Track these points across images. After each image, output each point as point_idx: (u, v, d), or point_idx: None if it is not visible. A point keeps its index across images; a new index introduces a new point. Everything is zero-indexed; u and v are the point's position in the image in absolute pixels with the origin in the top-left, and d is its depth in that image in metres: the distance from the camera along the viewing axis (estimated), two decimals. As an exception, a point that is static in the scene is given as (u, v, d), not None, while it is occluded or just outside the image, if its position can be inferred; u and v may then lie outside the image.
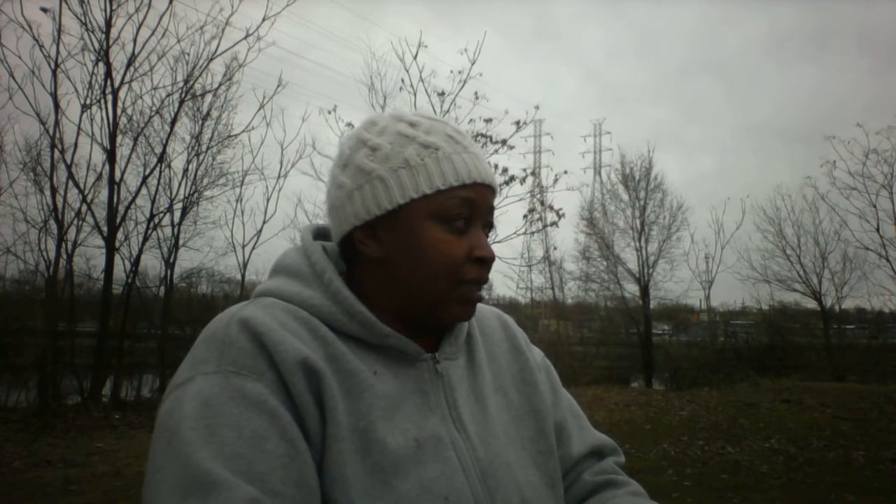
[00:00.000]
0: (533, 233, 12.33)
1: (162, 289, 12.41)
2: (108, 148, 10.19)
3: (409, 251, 0.74)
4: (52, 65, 9.63)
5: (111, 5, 9.86)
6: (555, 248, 26.34)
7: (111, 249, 10.29)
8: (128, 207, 10.79)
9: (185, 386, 0.64)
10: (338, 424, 0.65)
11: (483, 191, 0.77)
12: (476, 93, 10.56)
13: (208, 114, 11.72)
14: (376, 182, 0.74)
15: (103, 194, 10.53)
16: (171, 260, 11.96)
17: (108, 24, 9.88)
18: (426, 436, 0.70)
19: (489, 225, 0.80)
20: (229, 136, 12.15)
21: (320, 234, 0.84)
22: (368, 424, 0.67)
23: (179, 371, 0.67)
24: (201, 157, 11.86)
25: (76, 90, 10.10)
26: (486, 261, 0.76)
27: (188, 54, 10.82)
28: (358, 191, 0.75)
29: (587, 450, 0.89)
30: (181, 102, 11.04)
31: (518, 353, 0.90)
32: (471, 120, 10.56)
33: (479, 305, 0.94)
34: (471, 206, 0.75)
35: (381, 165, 0.75)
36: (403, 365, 0.75)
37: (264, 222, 13.17)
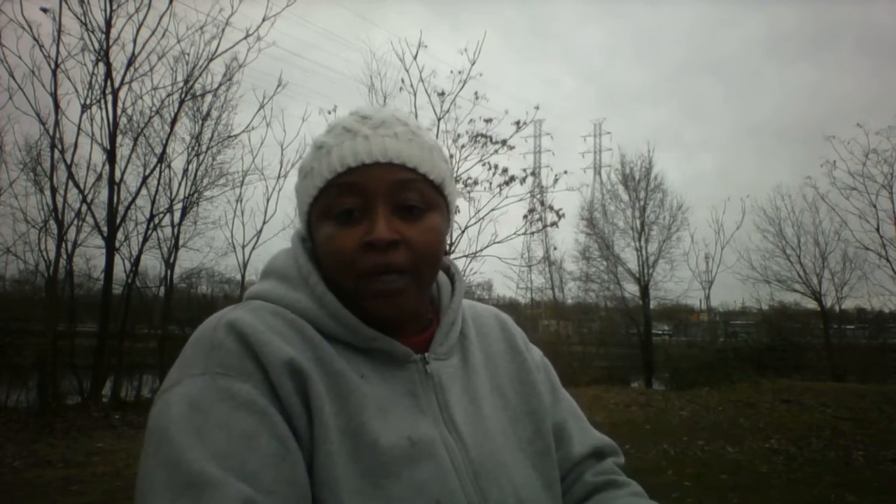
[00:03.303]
0: (533, 233, 12.35)
1: (162, 289, 12.43)
2: (108, 148, 10.19)
3: (320, 256, 0.75)
4: (52, 65, 9.65)
5: (111, 5, 9.88)
6: (555, 249, 26.39)
7: (111, 249, 10.29)
8: (128, 207, 10.81)
9: (172, 389, 0.64)
10: (325, 426, 0.65)
11: (372, 171, 0.70)
12: (476, 93, 10.58)
13: (208, 114, 11.75)
14: (296, 196, 0.79)
15: (103, 194, 10.56)
16: (171, 260, 11.98)
17: (108, 24, 9.90)
18: (418, 437, 0.69)
19: (407, 204, 0.71)
20: (229, 137, 12.18)
21: None
22: (359, 425, 0.67)
23: (169, 375, 0.67)
24: (201, 158, 11.89)
25: (76, 90, 10.14)
26: (374, 244, 0.68)
27: (188, 54, 10.86)
28: None
29: (588, 451, 0.89)
30: (181, 102, 11.06)
31: (516, 353, 0.89)
32: (471, 120, 10.61)
33: (477, 304, 0.93)
34: (356, 191, 0.70)
35: (297, 180, 0.78)
36: (392, 367, 0.74)
37: (264, 222, 13.19)
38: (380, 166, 0.71)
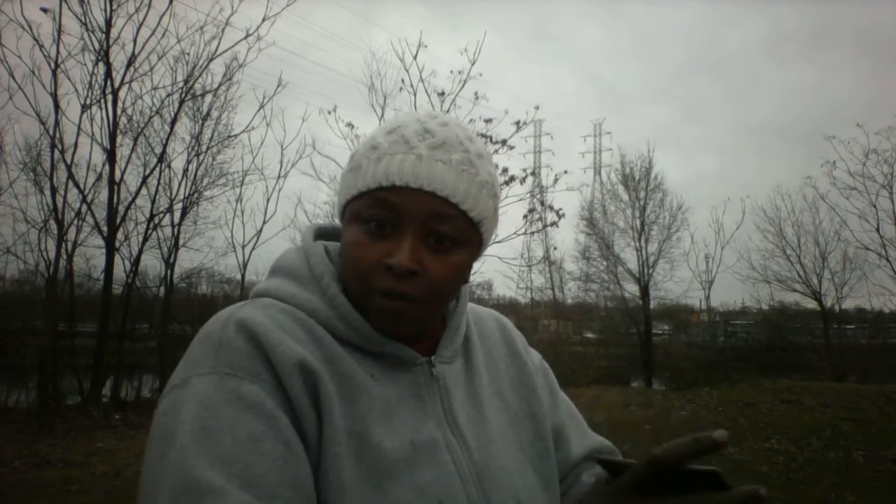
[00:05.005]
0: (533, 233, 12.35)
1: (162, 289, 12.44)
2: (108, 148, 10.21)
3: (342, 252, 0.74)
4: (52, 65, 9.67)
5: (111, 5, 9.90)
6: (555, 248, 26.39)
7: (111, 249, 10.30)
8: (128, 207, 10.83)
9: (180, 388, 0.63)
10: (334, 427, 0.64)
11: (413, 195, 0.69)
12: (476, 93, 10.55)
13: (208, 114, 11.79)
14: (340, 181, 0.77)
15: (103, 194, 10.59)
16: (171, 260, 12.00)
17: (108, 24, 9.91)
18: (422, 440, 0.69)
19: (438, 236, 0.70)
20: (229, 136, 12.23)
21: (323, 233, 0.84)
22: (364, 428, 0.66)
23: (175, 373, 0.66)
24: (201, 157, 11.93)
25: (76, 90, 10.15)
26: (392, 269, 0.67)
27: (188, 54, 10.89)
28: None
29: (585, 452, 0.89)
30: (181, 102, 11.08)
31: (516, 357, 0.89)
32: (471, 120, 10.55)
33: (478, 307, 0.93)
34: (391, 209, 0.69)
35: (346, 166, 0.77)
36: (399, 370, 0.74)
37: (264, 222, 13.24)
38: (422, 192, 0.69)
